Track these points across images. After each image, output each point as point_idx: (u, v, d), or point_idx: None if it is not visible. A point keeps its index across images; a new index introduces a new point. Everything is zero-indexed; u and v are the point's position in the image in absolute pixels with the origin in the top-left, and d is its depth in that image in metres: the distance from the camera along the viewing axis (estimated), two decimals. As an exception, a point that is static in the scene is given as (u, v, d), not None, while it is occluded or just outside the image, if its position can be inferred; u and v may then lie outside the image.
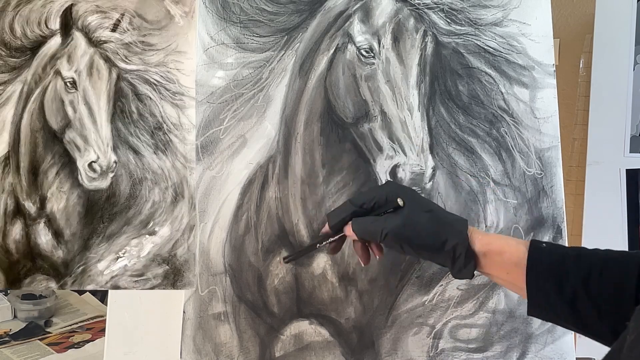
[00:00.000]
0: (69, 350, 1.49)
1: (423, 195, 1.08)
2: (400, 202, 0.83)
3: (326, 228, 0.89)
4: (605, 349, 0.65)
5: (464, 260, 0.81)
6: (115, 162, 1.07)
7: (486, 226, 1.10)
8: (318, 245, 0.90)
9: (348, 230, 0.87)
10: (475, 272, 0.83)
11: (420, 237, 0.82)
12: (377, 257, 0.89)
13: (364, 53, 1.10)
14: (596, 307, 0.74)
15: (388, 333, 1.07)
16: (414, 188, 1.08)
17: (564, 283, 0.76)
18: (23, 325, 1.59)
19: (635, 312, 0.63)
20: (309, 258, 1.07)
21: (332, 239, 0.89)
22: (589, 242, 1.27)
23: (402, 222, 0.82)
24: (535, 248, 0.79)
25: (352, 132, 1.09)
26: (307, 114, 1.08)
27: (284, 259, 0.95)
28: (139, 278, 1.06)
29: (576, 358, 1.10)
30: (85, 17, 1.08)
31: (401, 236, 0.83)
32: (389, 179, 1.08)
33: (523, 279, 0.78)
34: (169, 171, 1.08)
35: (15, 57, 1.08)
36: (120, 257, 1.06)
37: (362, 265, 0.89)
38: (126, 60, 1.08)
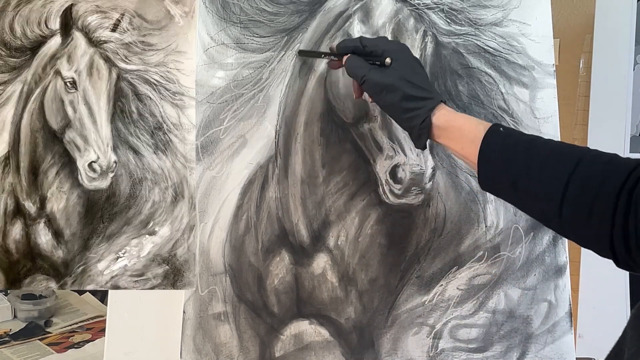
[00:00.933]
0: (69, 350, 1.49)
1: (423, 195, 1.08)
2: (387, 61, 0.94)
3: (334, 45, 1.03)
4: (605, 349, 0.65)
5: (417, 130, 0.92)
6: (115, 162, 1.07)
7: (486, 226, 1.10)
8: (323, 55, 1.06)
9: (344, 59, 0.99)
10: (434, 144, 0.97)
11: (390, 100, 0.93)
12: (354, 95, 1.03)
13: (364, 53, 1.09)
14: (532, 191, 0.82)
15: (388, 333, 1.07)
16: (413, 188, 1.08)
17: (510, 166, 0.84)
18: (23, 325, 1.59)
19: (631, 318, 0.63)
20: (309, 258, 1.07)
21: (333, 58, 1.03)
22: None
23: (381, 79, 0.94)
24: (492, 131, 0.87)
25: (352, 132, 1.09)
26: (307, 115, 1.09)
27: (299, 51, 1.08)
28: (139, 278, 1.06)
29: (576, 358, 1.10)
30: (85, 17, 1.08)
31: (375, 91, 0.95)
32: (389, 179, 1.08)
33: (476, 156, 0.86)
34: (169, 171, 1.08)
35: (15, 57, 1.08)
36: (120, 257, 1.06)
37: (354, 97, 1.03)
38: (126, 60, 1.08)
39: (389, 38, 1.10)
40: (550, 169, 0.80)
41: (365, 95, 1.01)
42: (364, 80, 0.95)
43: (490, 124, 0.88)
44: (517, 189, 0.83)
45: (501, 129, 0.87)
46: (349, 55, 0.98)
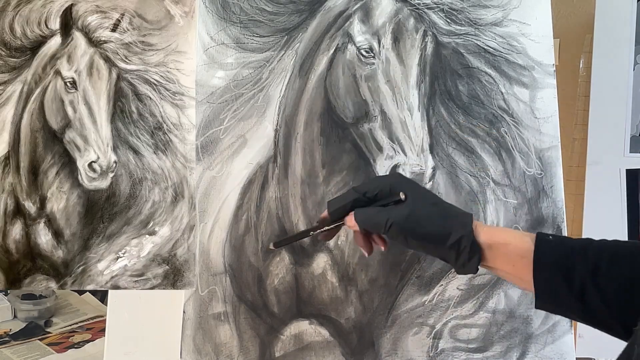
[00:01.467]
0: (69, 350, 1.49)
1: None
2: (402, 195, 0.82)
3: (325, 214, 0.87)
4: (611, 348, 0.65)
5: (468, 254, 0.79)
6: (115, 162, 1.07)
7: (486, 226, 1.10)
8: (312, 233, 0.88)
9: (350, 220, 0.85)
10: (479, 268, 0.81)
11: (425, 229, 0.81)
12: (382, 248, 0.86)
13: (364, 53, 1.10)
14: (605, 300, 0.73)
15: (388, 333, 1.07)
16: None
17: (572, 276, 0.75)
18: (23, 325, 1.59)
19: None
20: (309, 258, 1.07)
21: (329, 227, 0.87)
22: (589, 242, 1.27)
23: (407, 213, 0.80)
24: (541, 240, 0.78)
25: (352, 132, 1.09)
26: (307, 114, 1.08)
27: (274, 244, 0.92)
28: (139, 278, 1.06)
29: (576, 358, 1.10)
30: (85, 17, 1.08)
31: (406, 227, 0.81)
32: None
33: (529, 271, 0.77)
34: (169, 171, 1.08)
35: (15, 57, 1.08)
36: (120, 257, 1.06)
37: (366, 255, 0.87)
38: (126, 60, 1.08)
39: (389, 39, 1.10)
40: (619, 271, 0.73)
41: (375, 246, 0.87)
42: (389, 225, 0.81)
43: (533, 234, 0.79)
44: (585, 302, 0.74)
45: (550, 236, 0.79)
46: (354, 211, 0.84)
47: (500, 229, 0.86)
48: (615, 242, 0.78)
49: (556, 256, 0.77)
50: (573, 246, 0.78)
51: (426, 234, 0.81)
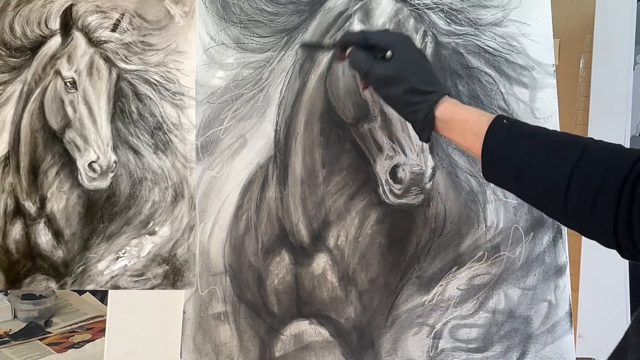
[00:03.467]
0: (69, 350, 1.49)
1: (423, 195, 1.08)
2: (389, 54, 0.93)
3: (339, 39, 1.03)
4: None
5: (421, 124, 0.91)
6: (115, 162, 1.07)
7: (486, 226, 1.10)
8: (326, 47, 1.08)
9: (347, 52, 0.98)
10: (438, 135, 0.95)
11: (393, 94, 0.93)
12: (361, 87, 1.04)
13: (364, 53, 1.09)
14: (535, 183, 0.81)
15: (388, 333, 1.07)
16: (413, 188, 1.08)
17: (513, 158, 0.83)
18: (23, 325, 1.59)
19: (633, 323, 0.63)
20: (309, 258, 1.07)
21: (338, 52, 1.01)
22: (588, 242, 1.27)
23: (383, 72, 0.93)
24: (496, 123, 0.86)
25: (352, 132, 1.09)
26: (307, 114, 1.09)
27: (301, 43, 1.09)
28: (139, 278, 1.06)
29: (576, 358, 1.10)
30: (85, 17, 1.08)
31: (379, 84, 0.94)
32: (389, 179, 1.08)
33: (479, 148, 0.86)
34: (169, 171, 1.08)
35: (15, 57, 1.08)
36: (120, 257, 1.06)
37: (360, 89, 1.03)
38: (126, 60, 1.08)
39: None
40: (554, 159, 0.80)
41: (370, 88, 1.00)
42: (366, 74, 0.94)
43: (494, 116, 0.88)
44: (520, 180, 0.83)
45: (505, 120, 0.87)
46: (351, 48, 0.98)
47: (465, 107, 0.92)
48: (560, 134, 0.85)
49: (504, 138, 0.85)
50: (522, 132, 0.85)
51: (393, 98, 0.94)
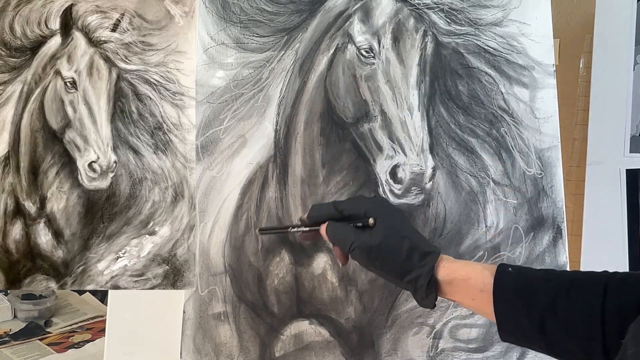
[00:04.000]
0: (69, 350, 1.49)
1: (423, 195, 1.08)
2: (371, 221, 0.84)
3: (304, 216, 0.93)
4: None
5: (425, 291, 0.82)
6: (115, 162, 1.07)
7: (486, 226, 1.10)
8: (291, 229, 0.94)
9: (322, 229, 0.89)
10: (441, 299, 0.84)
11: (386, 263, 0.84)
12: (340, 264, 0.90)
13: (364, 53, 1.10)
14: (565, 329, 0.73)
15: (388, 333, 1.07)
16: (413, 188, 1.08)
17: (531, 308, 0.75)
18: (23, 325, 1.59)
19: (632, 333, 0.62)
20: (309, 258, 1.07)
21: (304, 229, 0.92)
22: (589, 242, 1.27)
23: (370, 242, 0.83)
24: (500, 273, 0.79)
25: (352, 132, 1.09)
26: (307, 114, 1.08)
27: (260, 230, 1.02)
28: (139, 278, 1.06)
29: (576, 358, 1.10)
30: (85, 17, 1.08)
31: (367, 256, 0.84)
32: (389, 179, 1.08)
33: (490, 305, 0.77)
34: (169, 171, 1.08)
35: (15, 57, 1.08)
36: (120, 257, 1.06)
37: (340, 266, 0.91)
38: (126, 60, 1.08)
39: (389, 39, 1.10)
40: (578, 299, 0.72)
41: (353, 262, 0.90)
42: (352, 248, 0.84)
43: (495, 266, 0.80)
44: (544, 330, 0.74)
45: (509, 268, 0.79)
46: (327, 223, 0.88)
47: (463, 263, 0.84)
48: (574, 272, 0.79)
49: (515, 289, 0.77)
50: (533, 277, 0.78)
51: (386, 267, 0.84)
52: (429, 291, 0.82)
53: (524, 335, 0.77)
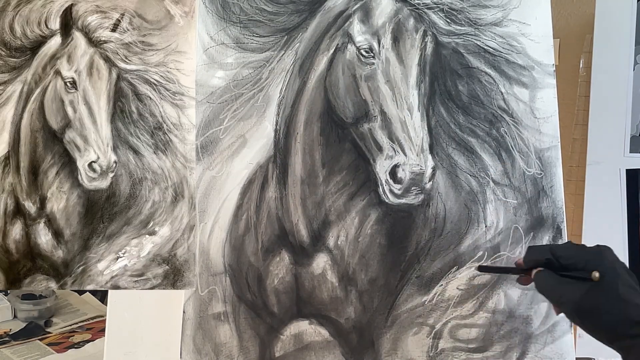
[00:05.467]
0: (69, 350, 1.49)
1: (423, 195, 1.08)
2: (596, 275, 0.78)
3: (520, 260, 0.90)
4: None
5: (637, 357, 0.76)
6: (115, 162, 1.07)
7: (486, 226, 1.10)
8: (509, 272, 1.01)
9: (533, 273, 0.86)
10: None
11: (596, 323, 0.78)
12: (555, 312, 0.88)
13: (364, 53, 1.10)
14: None
15: (388, 333, 1.07)
16: (413, 188, 1.08)
17: None
18: (23, 325, 1.59)
19: None
20: (309, 258, 1.07)
21: (521, 274, 0.90)
22: (589, 242, 1.27)
23: (591, 302, 0.78)
24: None
25: (352, 132, 1.09)
26: (307, 114, 1.09)
27: (479, 267, 1.03)
28: (139, 278, 1.06)
29: (576, 358, 1.10)
30: (85, 17, 1.09)
31: (575, 315, 0.80)
32: (389, 179, 1.08)
33: None
34: (169, 171, 1.08)
35: (15, 57, 1.08)
36: (120, 257, 1.06)
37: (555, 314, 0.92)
38: (126, 60, 1.08)
39: (389, 39, 1.10)
40: None
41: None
42: (562, 301, 0.81)
43: None
44: None
45: None
46: (538, 270, 0.85)
47: None
48: None
49: None
50: None
51: (596, 328, 0.79)
52: None
53: None
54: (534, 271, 0.85)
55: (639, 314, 0.76)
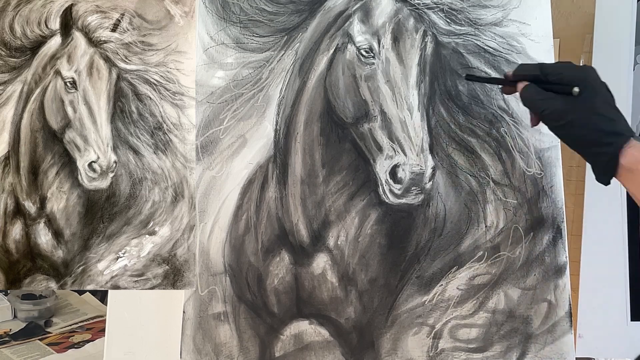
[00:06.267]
0: (69, 350, 1.49)
1: (423, 195, 1.08)
2: (576, 90, 0.87)
3: (510, 72, 0.98)
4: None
5: (604, 167, 0.87)
6: (115, 162, 1.07)
7: (486, 226, 1.10)
8: (495, 81, 1.05)
9: (519, 88, 0.94)
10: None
11: (575, 134, 0.88)
12: (531, 124, 0.98)
13: (364, 53, 1.10)
14: None
15: (388, 333, 1.07)
16: (413, 188, 1.08)
17: None
18: (23, 325, 1.59)
19: None
20: (309, 258, 1.07)
21: (508, 85, 0.98)
22: (589, 242, 1.27)
23: (566, 112, 0.88)
24: None
25: (352, 132, 1.09)
26: (307, 114, 1.09)
27: (467, 75, 1.05)
28: (139, 278, 1.06)
29: (576, 358, 1.10)
30: (85, 17, 1.09)
31: (558, 124, 0.89)
32: (389, 179, 1.08)
33: None
34: (169, 171, 1.08)
35: (15, 57, 1.08)
36: (120, 257, 1.06)
37: (530, 126, 1.00)
38: (126, 60, 1.08)
39: (389, 39, 1.10)
40: None
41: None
42: (544, 113, 0.90)
43: None
44: None
45: None
46: (526, 84, 0.93)
47: None
48: None
49: None
50: None
51: (572, 137, 0.89)
52: (608, 170, 0.86)
53: None
54: (521, 84, 0.94)
55: (611, 126, 0.86)
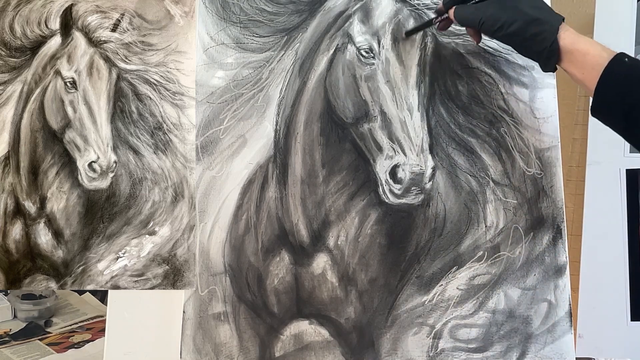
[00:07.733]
0: (69, 350, 1.49)
1: (423, 195, 1.08)
2: None
3: (441, 5, 1.03)
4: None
5: (548, 52, 0.92)
6: (115, 162, 1.07)
7: (486, 226, 1.10)
8: (433, 21, 1.06)
9: (451, 14, 1.00)
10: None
11: (513, 31, 0.93)
12: (475, 42, 1.04)
13: (364, 53, 1.10)
14: None
15: (388, 333, 1.07)
16: (413, 188, 1.08)
17: (628, 96, 0.85)
18: (23, 325, 1.59)
19: None
20: (309, 258, 1.07)
21: (440, 18, 1.04)
22: (589, 242, 1.27)
23: (499, 14, 0.94)
24: (616, 60, 0.87)
25: (352, 132, 1.09)
26: (307, 114, 1.09)
27: (406, 32, 1.09)
28: (139, 278, 1.06)
29: (576, 358, 1.10)
30: (85, 17, 1.09)
31: (496, 27, 0.94)
32: (389, 179, 1.08)
33: (595, 82, 0.87)
34: (169, 171, 1.08)
35: (15, 57, 1.08)
36: (120, 257, 1.06)
37: (474, 44, 1.06)
38: (126, 60, 1.08)
39: (389, 39, 1.10)
40: None
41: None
42: (482, 22, 0.95)
43: (615, 52, 0.88)
44: (629, 120, 0.85)
45: (626, 59, 0.87)
46: (454, 7, 1.00)
47: (585, 38, 0.92)
48: None
49: (623, 76, 0.86)
50: None
51: (512, 33, 0.94)
52: (551, 54, 0.92)
53: (610, 116, 0.89)
54: (452, 10, 1.00)
55: (540, 13, 0.93)
